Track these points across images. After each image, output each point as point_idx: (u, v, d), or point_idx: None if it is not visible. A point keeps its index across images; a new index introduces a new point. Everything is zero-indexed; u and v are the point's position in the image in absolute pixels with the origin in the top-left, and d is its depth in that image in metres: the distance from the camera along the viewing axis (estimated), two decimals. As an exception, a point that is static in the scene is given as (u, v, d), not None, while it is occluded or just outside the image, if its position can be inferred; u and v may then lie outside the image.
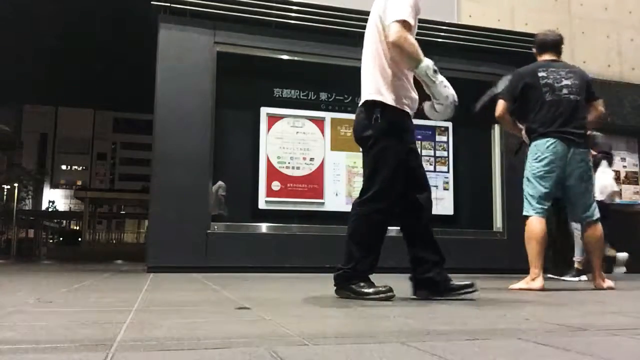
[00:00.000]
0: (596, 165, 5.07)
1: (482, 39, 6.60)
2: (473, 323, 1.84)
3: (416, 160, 2.93)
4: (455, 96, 2.76)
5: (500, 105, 3.88)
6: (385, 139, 2.70)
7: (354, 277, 2.77)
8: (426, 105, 2.85)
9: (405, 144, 2.79)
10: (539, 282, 3.56)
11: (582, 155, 3.69)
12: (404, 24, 2.72)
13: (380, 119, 2.70)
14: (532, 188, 3.69)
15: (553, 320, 1.95)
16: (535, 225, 3.62)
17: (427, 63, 2.70)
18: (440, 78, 2.72)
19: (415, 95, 2.87)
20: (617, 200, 5.69)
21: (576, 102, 3.75)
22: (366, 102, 2.78)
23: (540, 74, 3.80)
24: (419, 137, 6.57)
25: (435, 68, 2.71)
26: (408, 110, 2.80)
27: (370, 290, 2.71)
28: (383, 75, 2.79)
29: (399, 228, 3.01)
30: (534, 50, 4.19)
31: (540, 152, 3.65)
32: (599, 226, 3.74)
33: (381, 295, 2.67)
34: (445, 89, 2.72)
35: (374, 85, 2.78)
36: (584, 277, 5.04)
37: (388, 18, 2.82)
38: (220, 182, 5.76)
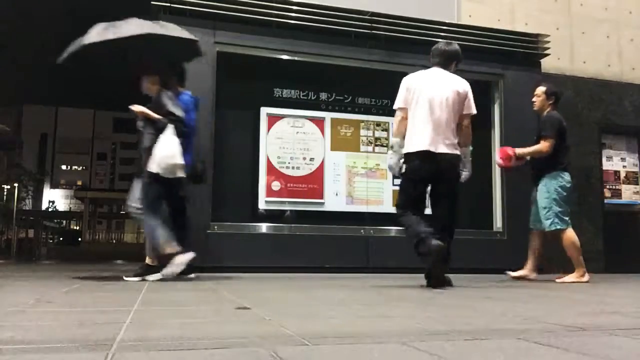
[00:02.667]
0: (160, 130, 4.14)
1: (482, 39, 6.59)
2: (473, 323, 1.84)
3: None
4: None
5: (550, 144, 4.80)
6: None
7: None
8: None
9: None
10: (587, 277, 4.63)
11: None
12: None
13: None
14: (560, 207, 4.74)
15: (553, 320, 1.95)
16: (574, 233, 4.73)
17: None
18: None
19: None
20: (180, 174, 4.13)
21: None
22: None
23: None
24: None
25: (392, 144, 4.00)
26: None
27: None
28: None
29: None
30: (545, 98, 5.02)
31: (566, 181, 4.80)
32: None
33: None
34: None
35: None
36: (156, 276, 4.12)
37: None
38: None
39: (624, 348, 1.42)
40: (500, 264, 5.68)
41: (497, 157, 5.16)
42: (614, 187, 7.44)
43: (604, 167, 7.37)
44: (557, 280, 4.62)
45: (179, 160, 4.11)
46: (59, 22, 8.32)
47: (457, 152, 3.88)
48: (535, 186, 4.95)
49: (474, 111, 4.01)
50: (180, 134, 4.18)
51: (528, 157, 4.96)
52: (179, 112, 4.23)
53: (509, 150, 4.91)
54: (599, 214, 7.10)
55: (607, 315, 2.19)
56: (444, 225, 3.77)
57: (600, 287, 4.00)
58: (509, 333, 1.60)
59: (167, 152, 4.07)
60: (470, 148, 4.12)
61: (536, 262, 4.97)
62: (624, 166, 7.56)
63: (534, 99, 5.08)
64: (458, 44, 6.59)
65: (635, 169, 7.60)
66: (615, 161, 7.53)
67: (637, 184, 7.56)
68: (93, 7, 7.78)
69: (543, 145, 4.79)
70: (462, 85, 4.03)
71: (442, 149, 3.81)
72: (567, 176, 4.80)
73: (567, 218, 4.73)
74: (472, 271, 5.60)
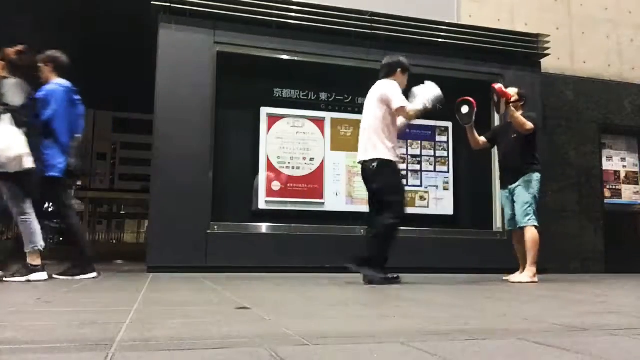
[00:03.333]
0: None
1: (482, 39, 6.60)
2: (473, 323, 1.84)
3: None
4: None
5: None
6: None
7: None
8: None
9: None
10: (536, 278, 4.64)
11: None
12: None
13: None
14: (536, 205, 4.76)
15: (553, 320, 1.95)
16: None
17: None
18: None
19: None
20: (28, 165, 3.86)
21: None
22: None
23: None
24: (419, 137, 6.58)
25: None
26: None
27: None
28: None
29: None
30: (518, 99, 4.93)
31: (540, 183, 4.84)
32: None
33: None
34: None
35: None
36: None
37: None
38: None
39: (624, 348, 1.42)
40: (500, 264, 5.67)
41: (498, 87, 4.75)
42: (614, 187, 7.44)
43: (604, 167, 7.37)
44: (512, 280, 4.66)
45: (17, 151, 3.81)
46: (59, 22, 8.32)
47: (376, 155, 4.12)
48: (506, 187, 4.97)
49: (395, 105, 4.11)
50: (21, 124, 3.88)
51: (510, 115, 4.69)
52: (16, 101, 3.91)
53: (507, 93, 4.70)
54: (599, 214, 7.10)
55: (607, 315, 2.19)
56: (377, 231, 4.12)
57: (600, 287, 3.99)
58: (509, 333, 1.60)
59: (1, 145, 3.80)
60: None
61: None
62: (624, 166, 7.56)
63: (511, 100, 4.79)
64: (458, 44, 6.67)
65: (635, 169, 7.60)
66: (615, 161, 7.53)
67: (637, 184, 7.56)
68: (93, 7, 7.79)
69: (528, 122, 4.68)
70: (381, 87, 4.28)
71: (362, 156, 4.25)
72: (540, 177, 4.84)
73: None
74: (472, 271, 5.60)
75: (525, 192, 4.76)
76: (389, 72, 4.42)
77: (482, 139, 5.15)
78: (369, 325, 1.83)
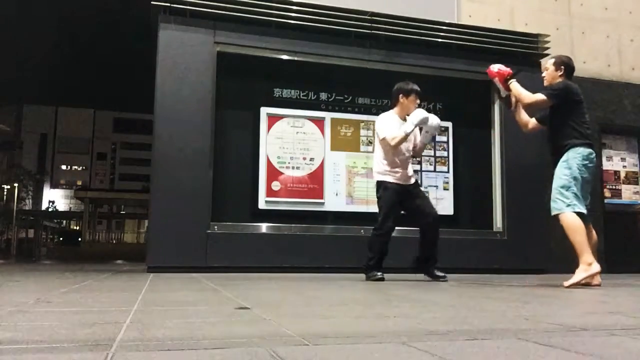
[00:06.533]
0: None
1: (482, 39, 6.60)
2: (473, 323, 1.84)
3: None
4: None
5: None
6: None
7: None
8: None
9: None
10: (596, 266, 3.78)
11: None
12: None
13: None
14: (578, 188, 3.96)
15: (553, 320, 1.95)
16: (579, 220, 3.88)
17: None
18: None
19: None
20: None
21: None
22: None
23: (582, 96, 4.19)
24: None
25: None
26: None
27: None
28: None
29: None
30: (554, 69, 4.31)
31: (590, 160, 4.01)
32: (591, 226, 4.11)
33: None
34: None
35: None
36: None
37: None
38: None
39: (624, 348, 1.42)
40: (500, 264, 5.68)
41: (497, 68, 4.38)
42: (614, 187, 7.44)
43: (604, 167, 7.37)
44: (567, 284, 3.78)
45: None
46: (60, 21, 8.33)
47: (374, 178, 4.67)
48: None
49: (380, 135, 4.55)
50: None
51: (513, 99, 4.37)
52: None
53: (505, 72, 4.33)
54: (599, 214, 7.09)
55: (608, 315, 2.19)
56: None
57: (600, 287, 3.99)
58: (509, 333, 1.60)
59: None
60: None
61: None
62: (624, 166, 7.56)
63: (543, 74, 4.43)
64: (458, 44, 6.67)
65: (635, 169, 7.59)
66: (615, 161, 7.53)
67: (637, 184, 7.55)
68: (93, 7, 7.79)
69: (532, 95, 4.13)
70: (376, 121, 4.76)
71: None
72: (585, 152, 3.99)
73: (580, 203, 3.95)
74: (472, 271, 5.61)
75: (558, 175, 4.00)
76: (393, 101, 4.69)
77: (533, 120, 4.46)
78: (369, 325, 1.83)
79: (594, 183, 7.04)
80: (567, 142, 4.02)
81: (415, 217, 4.55)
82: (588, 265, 3.76)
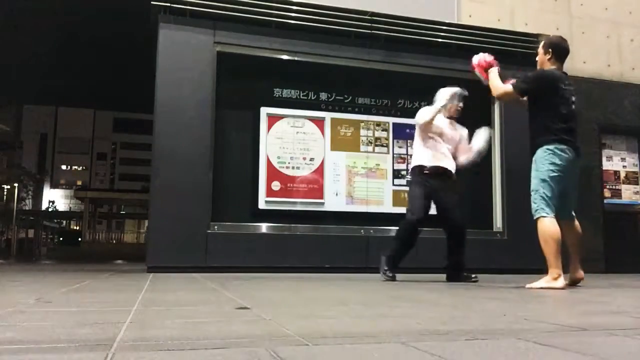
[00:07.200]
0: None
1: (482, 39, 6.60)
2: (473, 323, 1.84)
3: None
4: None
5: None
6: None
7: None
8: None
9: None
10: (561, 282, 3.61)
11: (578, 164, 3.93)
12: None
13: None
14: (549, 190, 3.73)
15: (553, 320, 1.95)
16: (554, 225, 3.67)
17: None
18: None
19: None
20: None
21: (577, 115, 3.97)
22: None
23: (560, 85, 3.84)
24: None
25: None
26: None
27: None
28: None
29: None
30: (543, 52, 4.00)
31: (558, 157, 3.75)
32: (576, 222, 3.96)
33: None
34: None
35: None
36: None
37: None
38: None
39: (624, 348, 1.42)
40: (500, 264, 5.68)
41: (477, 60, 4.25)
42: (614, 187, 7.44)
43: (604, 167, 7.38)
44: (528, 286, 3.70)
45: None
46: (60, 21, 8.33)
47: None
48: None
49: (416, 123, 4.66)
50: None
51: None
52: None
53: (491, 61, 4.17)
54: (599, 214, 7.10)
55: (607, 315, 2.19)
56: None
57: (600, 287, 3.99)
58: (509, 333, 1.60)
59: None
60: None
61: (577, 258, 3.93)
62: (624, 166, 7.56)
63: (536, 59, 4.12)
64: (458, 44, 6.67)
65: (635, 169, 7.59)
66: (615, 161, 7.52)
67: (637, 184, 7.55)
68: (93, 7, 7.79)
69: (501, 87, 3.95)
70: None
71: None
72: (560, 151, 3.74)
73: (552, 204, 3.72)
74: (472, 271, 5.59)
75: (532, 177, 3.84)
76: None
77: (525, 99, 4.08)
78: (369, 325, 1.83)
79: (593, 182, 7.12)
80: (536, 141, 3.86)
81: (441, 218, 4.68)
82: (554, 279, 3.61)
